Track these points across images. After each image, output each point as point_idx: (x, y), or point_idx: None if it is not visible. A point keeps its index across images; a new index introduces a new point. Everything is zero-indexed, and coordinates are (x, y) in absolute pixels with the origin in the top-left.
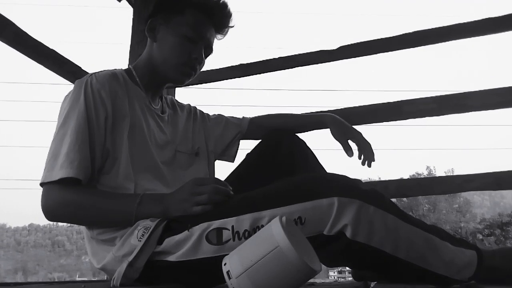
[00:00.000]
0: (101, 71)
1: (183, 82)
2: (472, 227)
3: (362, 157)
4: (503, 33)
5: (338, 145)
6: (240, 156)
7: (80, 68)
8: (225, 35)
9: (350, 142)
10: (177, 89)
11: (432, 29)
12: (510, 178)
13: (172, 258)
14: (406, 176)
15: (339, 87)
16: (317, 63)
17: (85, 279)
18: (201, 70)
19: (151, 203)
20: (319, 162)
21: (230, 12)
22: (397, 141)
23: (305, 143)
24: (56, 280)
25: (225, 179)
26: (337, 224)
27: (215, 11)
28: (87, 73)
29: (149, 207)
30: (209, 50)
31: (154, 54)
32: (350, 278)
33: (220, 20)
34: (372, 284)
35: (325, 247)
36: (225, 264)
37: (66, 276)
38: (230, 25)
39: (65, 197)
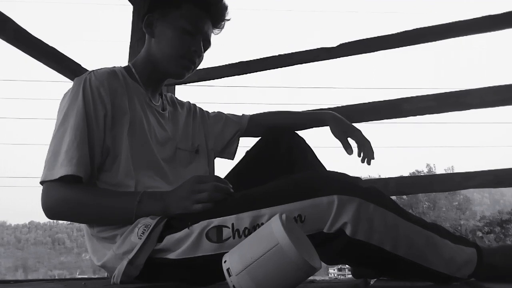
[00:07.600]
0: (100, 68)
1: (183, 75)
2: (472, 224)
3: (362, 155)
4: (502, 30)
5: (338, 143)
6: (240, 154)
7: (80, 65)
8: (222, 28)
9: (349, 140)
10: (176, 86)
11: (431, 26)
12: (509, 176)
13: (172, 255)
14: (406, 174)
15: (338, 84)
16: (316, 61)
17: (86, 276)
18: (200, 68)
19: (151, 201)
20: (319, 160)
21: (226, 5)
22: (397, 139)
23: (304, 140)
24: (57, 277)
25: (225, 177)
26: (337, 222)
27: (211, 4)
28: (87, 70)
29: (149, 205)
30: (207, 44)
31: (153, 49)
32: (350, 276)
33: (216, 12)
34: (372, 281)
35: (325, 244)
36: (225, 262)
37: (66, 273)
38: (227, 18)
39: (65, 195)
